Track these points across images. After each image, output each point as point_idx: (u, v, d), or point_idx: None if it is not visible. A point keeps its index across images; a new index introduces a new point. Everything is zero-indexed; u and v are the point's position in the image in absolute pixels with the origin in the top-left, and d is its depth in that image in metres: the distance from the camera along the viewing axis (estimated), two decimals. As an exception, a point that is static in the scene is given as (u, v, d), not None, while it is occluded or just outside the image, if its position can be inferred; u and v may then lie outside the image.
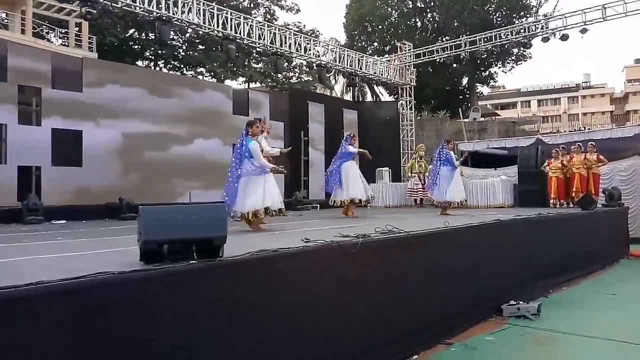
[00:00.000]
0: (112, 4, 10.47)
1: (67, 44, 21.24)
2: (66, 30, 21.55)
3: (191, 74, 25.45)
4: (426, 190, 11.22)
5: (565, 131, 24.66)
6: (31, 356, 2.17)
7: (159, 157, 11.55)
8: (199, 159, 12.14)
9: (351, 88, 22.85)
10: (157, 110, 11.66)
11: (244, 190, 5.84)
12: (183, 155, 11.93)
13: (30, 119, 9.97)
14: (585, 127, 30.62)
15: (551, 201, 11.08)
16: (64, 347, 2.27)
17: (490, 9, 30.66)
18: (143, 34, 24.44)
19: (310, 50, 14.72)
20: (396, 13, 32.55)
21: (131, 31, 24.29)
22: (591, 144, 11.23)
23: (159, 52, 25.21)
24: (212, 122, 12.68)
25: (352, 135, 9.14)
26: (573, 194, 10.76)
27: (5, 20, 20.10)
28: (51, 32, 22.19)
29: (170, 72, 24.07)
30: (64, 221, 8.77)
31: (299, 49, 14.18)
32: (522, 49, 26.39)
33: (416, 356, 4.31)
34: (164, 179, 11.49)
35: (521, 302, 5.69)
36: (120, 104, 11.03)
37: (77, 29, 21.43)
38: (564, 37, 14.49)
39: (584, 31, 14.16)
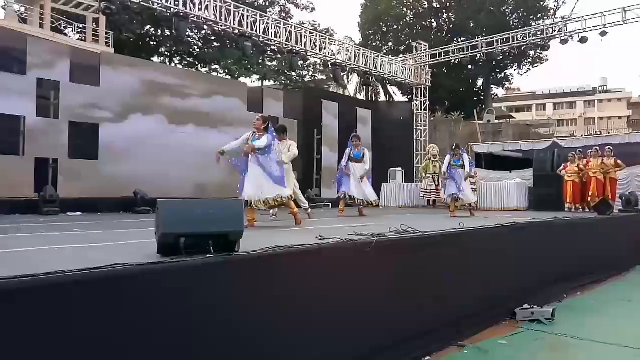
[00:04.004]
0: (131, 0, 10.57)
1: (84, 39, 21.46)
2: (84, 25, 21.78)
3: (205, 71, 25.58)
4: (439, 191, 11.22)
5: (582, 135, 24.39)
6: (48, 346, 2.18)
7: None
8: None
9: (365, 87, 22.81)
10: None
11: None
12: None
13: (48, 112, 10.11)
14: (601, 132, 30.24)
15: (567, 205, 10.95)
16: (80, 337, 2.28)
17: (507, 10, 30.44)
18: (159, 31, 24.64)
19: (325, 49, 14.72)
20: (412, 13, 32.46)
21: (147, 27, 24.50)
22: (609, 148, 11.08)
23: (175, 48, 25.40)
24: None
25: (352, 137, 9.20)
26: (589, 199, 10.63)
27: (25, 15, 20.37)
28: (69, 27, 22.44)
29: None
30: (79, 213, 8.87)
31: (314, 47, 14.19)
32: (538, 51, 26.22)
33: (428, 357, 4.27)
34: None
35: (535, 306, 5.61)
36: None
37: (94, 24, 21.65)
38: (583, 40, 14.32)
39: (603, 34, 13.99)
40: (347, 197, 8.78)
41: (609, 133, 23.75)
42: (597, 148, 11.23)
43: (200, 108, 12.48)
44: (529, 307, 5.60)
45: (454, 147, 9.41)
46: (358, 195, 8.70)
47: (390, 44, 32.52)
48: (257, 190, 5.87)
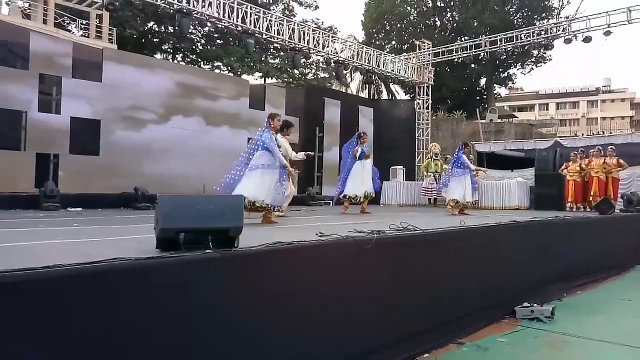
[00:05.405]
0: (134, -4, 10.59)
1: (87, 35, 21.46)
2: (87, 21, 21.78)
3: (208, 68, 25.57)
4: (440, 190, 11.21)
5: (584, 134, 24.31)
6: (46, 338, 2.19)
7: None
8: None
9: (367, 86, 22.76)
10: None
11: (255, 180, 5.88)
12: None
13: (50, 107, 10.13)
14: (603, 132, 30.14)
15: (568, 205, 10.90)
16: (77, 330, 2.28)
17: (511, 9, 30.31)
18: (162, 27, 24.64)
19: (328, 46, 14.70)
20: (415, 12, 32.38)
21: (150, 24, 24.49)
22: (611, 147, 11.04)
23: (177, 45, 25.40)
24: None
25: (361, 133, 9.11)
26: (590, 198, 10.59)
27: (28, 10, 20.39)
28: (72, 22, 22.44)
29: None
30: (80, 209, 8.88)
31: (317, 45, 14.17)
32: (542, 50, 26.10)
33: (427, 354, 4.28)
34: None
35: (535, 305, 5.60)
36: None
37: (97, 20, 21.64)
38: (587, 39, 14.28)
39: (607, 34, 13.94)
40: (349, 197, 8.79)
41: (611, 133, 23.69)
42: (600, 147, 11.18)
43: (203, 104, 12.58)
44: (529, 305, 5.59)
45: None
46: (367, 190, 8.74)
47: (393, 42, 32.43)
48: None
